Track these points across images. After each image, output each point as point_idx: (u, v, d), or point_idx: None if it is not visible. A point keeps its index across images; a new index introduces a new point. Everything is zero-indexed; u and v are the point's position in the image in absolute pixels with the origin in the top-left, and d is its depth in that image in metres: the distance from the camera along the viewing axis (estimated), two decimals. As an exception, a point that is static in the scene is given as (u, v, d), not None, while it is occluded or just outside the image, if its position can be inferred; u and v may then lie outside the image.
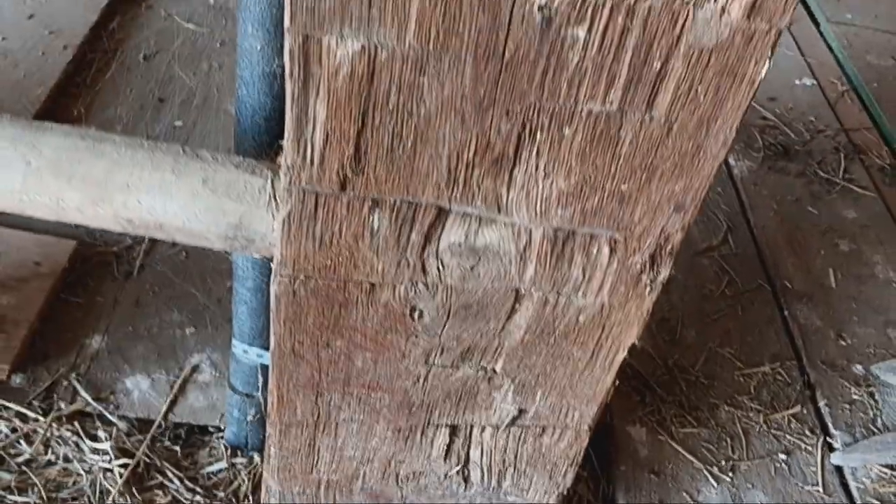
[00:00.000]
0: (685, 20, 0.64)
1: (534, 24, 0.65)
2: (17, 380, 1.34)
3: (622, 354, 0.89)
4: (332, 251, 0.80)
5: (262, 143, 1.00)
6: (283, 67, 0.84)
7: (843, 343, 1.70)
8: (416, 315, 0.86)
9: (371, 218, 0.77)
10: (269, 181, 0.83)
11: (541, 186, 0.76)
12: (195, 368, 1.43)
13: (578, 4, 0.64)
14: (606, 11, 0.64)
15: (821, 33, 2.78)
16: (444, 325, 0.87)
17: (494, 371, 0.91)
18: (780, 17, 0.64)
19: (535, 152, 0.73)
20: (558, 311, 0.86)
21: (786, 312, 1.74)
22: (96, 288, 1.52)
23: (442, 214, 0.78)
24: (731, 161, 2.13)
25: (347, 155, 0.73)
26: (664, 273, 0.83)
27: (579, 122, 0.71)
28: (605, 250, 0.81)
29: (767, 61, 0.67)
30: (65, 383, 1.37)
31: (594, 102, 0.70)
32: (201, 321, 1.49)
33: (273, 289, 0.83)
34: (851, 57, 2.65)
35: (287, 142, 0.72)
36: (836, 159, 2.22)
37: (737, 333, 1.67)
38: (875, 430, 1.54)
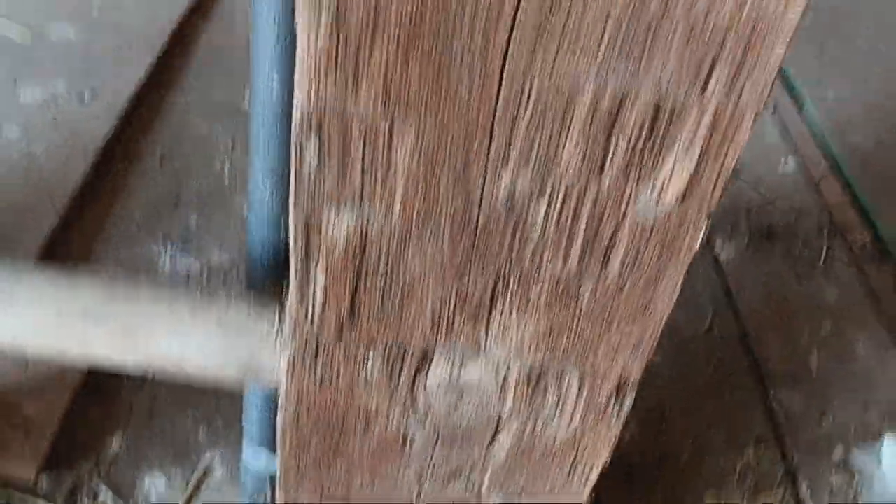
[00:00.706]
0: (628, 202, 0.75)
1: (501, 203, 0.76)
2: (42, 484, 1.43)
3: (597, 471, 0.98)
4: (332, 389, 0.90)
5: (270, 276, 1.11)
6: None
7: (825, 425, 1.79)
8: (407, 442, 0.95)
9: (365, 361, 0.87)
10: (277, 321, 0.93)
11: (514, 331, 0.86)
12: (209, 467, 1.52)
13: (538, 189, 0.74)
14: (561, 195, 0.75)
15: (802, 112, 2.90)
16: (434, 450, 0.96)
17: (481, 488, 1.00)
18: (708, 201, 0.75)
19: (507, 303, 0.83)
20: (536, 434, 0.95)
21: (770, 395, 1.83)
22: (116, 388, 1.62)
23: (428, 355, 0.88)
24: (717, 245, 2.23)
25: (344, 311, 0.83)
26: (629, 402, 0.93)
27: (544, 281, 0.81)
28: (575, 384, 0.90)
29: (701, 234, 0.77)
30: (87, 486, 1.47)
31: (555, 266, 0.80)
32: (214, 419, 1.59)
33: (279, 420, 0.93)
34: (833, 136, 2.77)
35: (291, 300, 0.82)
36: (819, 240, 2.32)
37: (723, 418, 1.76)
38: (856, 513, 1.62)
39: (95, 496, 1.43)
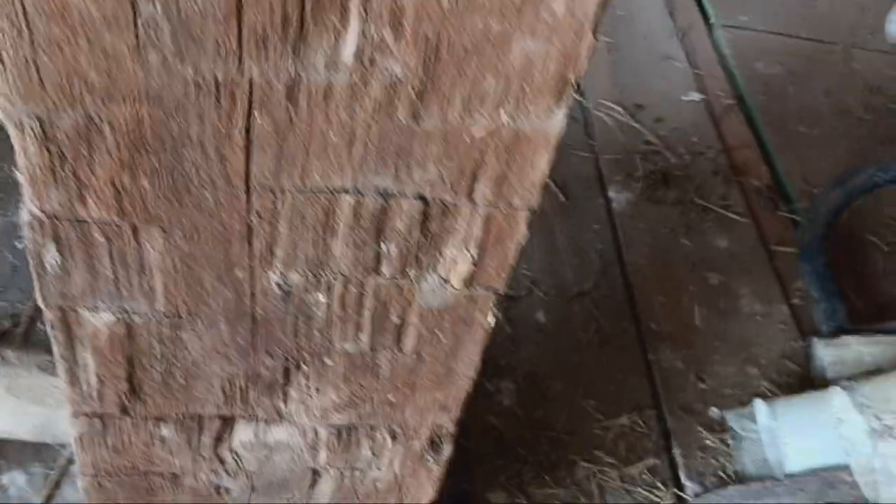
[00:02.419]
0: (411, 290, 0.70)
1: (275, 294, 0.70)
2: None
3: (424, 507, 0.97)
4: (127, 455, 0.85)
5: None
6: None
7: (703, 385, 1.80)
8: (222, 492, 0.92)
9: (158, 430, 0.83)
10: (72, 382, 0.87)
11: (315, 400, 0.82)
12: (71, 461, 1.48)
13: (313, 283, 0.69)
14: (339, 285, 0.70)
15: (713, 39, 2.83)
16: (251, 497, 0.93)
17: (305, 529, 0.98)
18: (495, 283, 0.70)
19: (302, 377, 0.79)
20: (356, 482, 0.93)
21: (650, 357, 1.83)
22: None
23: (228, 421, 0.84)
24: (612, 194, 2.19)
25: (123, 390, 0.78)
26: (447, 450, 0.90)
27: (337, 356, 0.77)
28: (388, 437, 0.88)
29: (490, 312, 0.73)
30: (-60, 484, 1.42)
31: (347, 343, 0.76)
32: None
33: (79, 483, 0.89)
34: (738, 66, 2.71)
35: (63, 384, 0.77)
36: (714, 183, 2.29)
37: (600, 383, 1.76)
38: (725, 477, 1.65)
39: (-52, 497, 1.40)
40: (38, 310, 1.08)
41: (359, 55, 0.53)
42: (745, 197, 2.26)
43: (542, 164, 0.60)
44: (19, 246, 1.61)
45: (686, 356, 1.84)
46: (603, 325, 1.87)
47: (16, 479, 1.44)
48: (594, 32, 0.52)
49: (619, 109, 2.45)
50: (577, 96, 2.48)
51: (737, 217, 2.20)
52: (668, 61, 2.69)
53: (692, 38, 2.80)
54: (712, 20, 2.88)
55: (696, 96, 2.59)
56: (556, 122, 0.57)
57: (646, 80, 2.60)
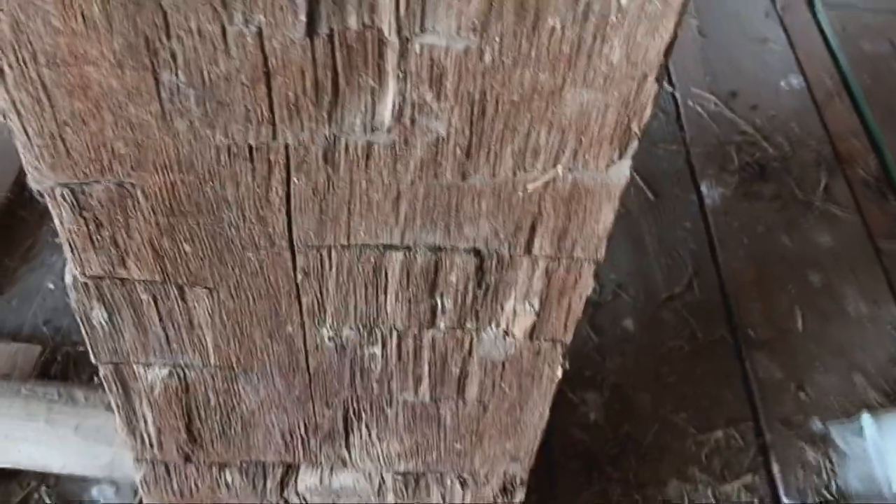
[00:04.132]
0: (471, 342, 0.66)
1: (329, 348, 0.67)
2: (-15, 504, 1.43)
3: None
4: (195, 498, 0.84)
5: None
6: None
7: (804, 396, 1.70)
8: (290, 532, 0.90)
9: (222, 476, 0.81)
10: (139, 421, 0.87)
11: (378, 448, 0.78)
12: (155, 474, 1.50)
13: (367, 337, 0.66)
14: (395, 339, 0.66)
15: (815, 18, 2.67)
16: (320, 538, 0.91)
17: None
18: (562, 335, 0.65)
19: (364, 426, 0.76)
20: (425, 524, 0.89)
21: (746, 366, 1.73)
22: (64, 391, 1.59)
23: (292, 467, 0.82)
24: (704, 189, 2.08)
25: (182, 440, 0.76)
26: (520, 496, 0.86)
27: (398, 406, 0.73)
28: (457, 485, 0.84)
29: (560, 366, 0.68)
30: (36, 496, 1.46)
31: (407, 394, 0.72)
32: (162, 421, 1.56)
33: (149, 524, 0.88)
34: (843, 47, 2.55)
35: (121, 434, 0.76)
36: (816, 176, 2.15)
37: (692, 396, 1.68)
38: (828, 495, 1.55)
39: (42, 510, 1.44)
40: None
41: (398, 116, 0.48)
42: (850, 189, 2.12)
43: (605, 216, 0.54)
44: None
45: (786, 364, 1.73)
46: (695, 331, 1.78)
47: (105, 492, 1.47)
48: (658, 79, 0.46)
49: (712, 98, 2.33)
50: (666, 85, 2.38)
51: (841, 212, 2.06)
52: (764, 43, 2.54)
53: (791, 16, 2.64)
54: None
55: (795, 80, 2.44)
56: (620, 173, 0.52)
57: (740, 64, 2.47)
